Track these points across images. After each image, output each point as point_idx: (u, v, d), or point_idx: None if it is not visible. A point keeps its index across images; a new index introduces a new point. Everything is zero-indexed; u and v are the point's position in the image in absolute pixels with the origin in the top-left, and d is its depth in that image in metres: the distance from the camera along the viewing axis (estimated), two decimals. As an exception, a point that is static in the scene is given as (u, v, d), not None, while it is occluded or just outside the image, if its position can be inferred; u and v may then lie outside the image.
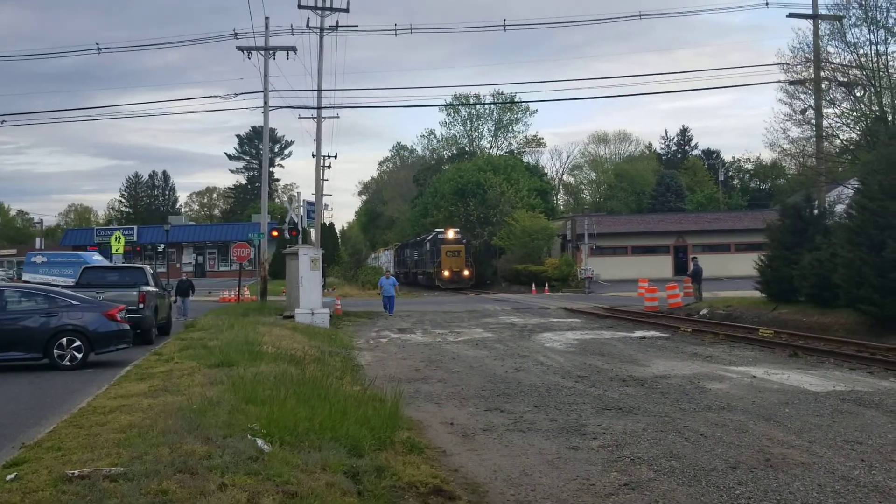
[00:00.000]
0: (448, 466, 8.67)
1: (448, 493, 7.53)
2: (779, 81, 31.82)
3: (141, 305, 19.26)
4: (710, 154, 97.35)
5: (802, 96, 30.57)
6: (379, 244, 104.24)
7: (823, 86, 29.71)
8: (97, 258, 45.67)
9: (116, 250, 45.38)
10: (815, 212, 28.55)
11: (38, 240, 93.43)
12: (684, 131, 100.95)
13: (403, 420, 10.15)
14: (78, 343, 15.43)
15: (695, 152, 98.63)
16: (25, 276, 44.41)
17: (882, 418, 10.67)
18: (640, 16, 48.37)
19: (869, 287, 20.93)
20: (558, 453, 9.17)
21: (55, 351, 15.28)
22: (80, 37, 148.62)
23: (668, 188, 79.73)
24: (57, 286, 26.37)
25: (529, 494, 7.66)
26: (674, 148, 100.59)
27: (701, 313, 29.29)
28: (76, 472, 6.36)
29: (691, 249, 56.06)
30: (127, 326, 16.41)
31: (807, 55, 30.07)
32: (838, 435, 9.68)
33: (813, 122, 29.75)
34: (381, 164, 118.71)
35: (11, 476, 6.54)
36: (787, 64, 30.67)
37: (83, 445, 7.52)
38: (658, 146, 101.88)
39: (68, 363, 15.28)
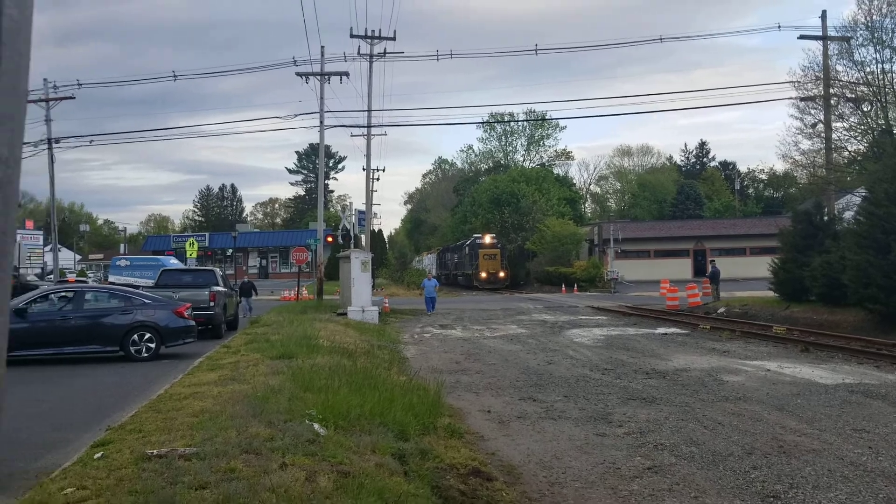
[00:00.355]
0: (485, 450, 8.66)
1: (486, 475, 7.51)
2: (790, 98, 31.19)
3: (211, 303, 19.55)
4: (726, 165, 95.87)
5: (813, 111, 29.95)
6: (422, 248, 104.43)
7: (832, 101, 29.13)
8: (173, 262, 46.43)
9: (190, 255, 46.07)
10: (825, 218, 27.99)
11: (122, 245, 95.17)
12: (702, 144, 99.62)
13: (445, 407, 10.15)
14: (150, 337, 15.72)
15: (712, 164, 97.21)
16: (111, 278, 45.31)
17: (889, 409, 10.41)
18: (661, 39, 47.84)
19: (875, 287, 20.44)
20: (587, 439, 9.10)
21: (131, 344, 15.56)
22: (159, 65, 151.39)
23: (688, 197, 78.64)
24: (138, 287, 26.88)
25: (560, 476, 7.61)
26: (692, 160, 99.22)
27: (718, 312, 28.83)
28: (155, 451, 6.47)
29: (709, 253, 55.20)
30: (193, 322, 16.66)
31: (817, 74, 29.50)
32: (847, 424, 9.46)
33: (823, 135, 29.17)
34: (424, 176, 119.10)
35: (99, 455, 6.68)
36: (799, 82, 30.11)
37: (161, 428, 7.64)
38: (678, 158, 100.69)
39: (142, 355, 15.56)
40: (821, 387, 12.29)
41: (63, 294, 16.56)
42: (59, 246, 42.72)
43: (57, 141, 36.27)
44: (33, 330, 15.11)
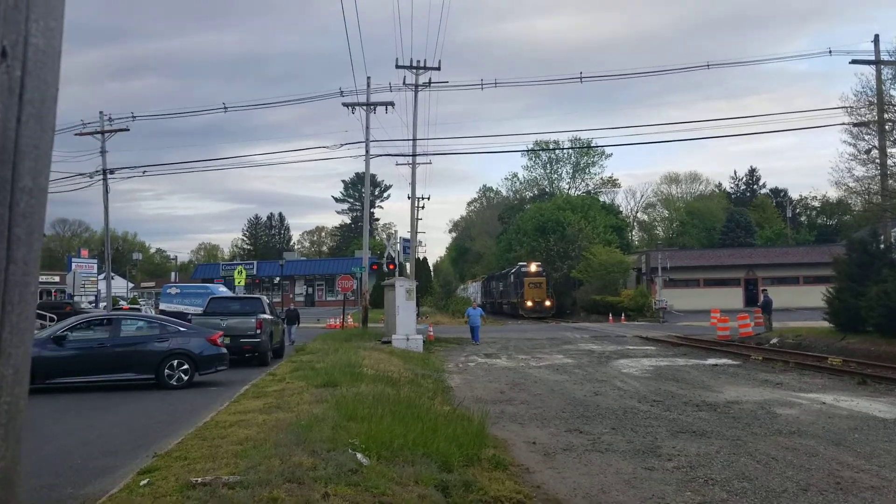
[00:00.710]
0: (531, 483, 8.51)
1: (531, 508, 7.39)
2: (843, 123, 30.46)
3: (258, 331, 19.76)
4: (777, 192, 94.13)
5: (867, 137, 29.24)
6: (467, 276, 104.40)
7: (887, 126, 28.42)
8: (222, 289, 47.18)
9: (238, 282, 46.84)
10: (882, 246, 27.19)
11: (172, 273, 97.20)
12: (752, 171, 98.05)
13: (489, 438, 10.04)
14: (186, 366, 15.78)
15: (763, 191, 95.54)
16: (161, 305, 46.21)
17: (954, 446, 9.97)
18: (707, 66, 47.32)
19: (938, 318, 19.72)
20: (635, 473, 8.90)
21: (165, 371, 15.65)
22: (212, 97, 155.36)
23: (738, 224, 77.28)
24: (187, 315, 27.32)
25: (607, 511, 7.44)
26: (742, 187, 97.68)
27: (771, 342, 28.13)
28: (199, 479, 6.51)
29: (761, 282, 54.05)
30: (225, 350, 16.68)
31: (870, 98, 28.84)
32: (909, 461, 9.09)
33: (877, 161, 28.43)
34: (469, 204, 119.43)
35: (145, 482, 6.75)
36: (851, 107, 29.44)
37: (206, 456, 7.70)
38: (727, 185, 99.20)
39: (175, 383, 15.62)
40: (879, 421, 11.85)
41: (100, 321, 16.79)
42: (112, 274, 43.80)
43: (112, 172, 37.35)
44: (71, 357, 15.24)
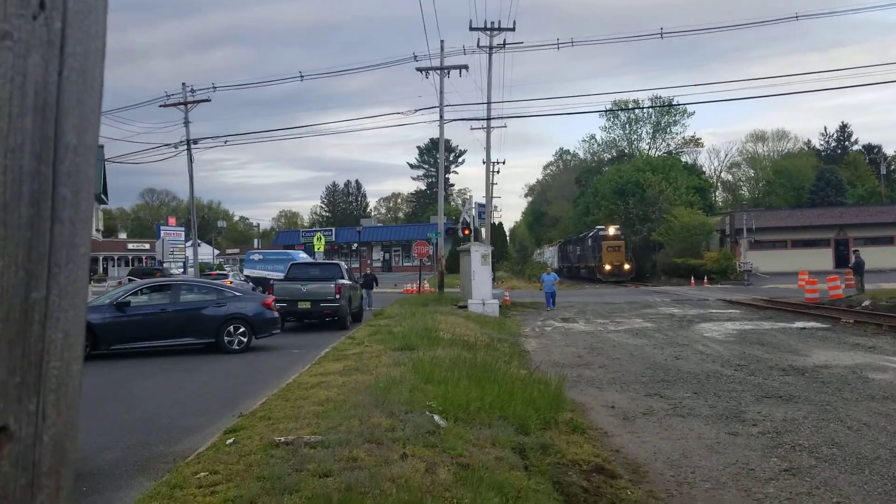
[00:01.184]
0: (609, 447, 8.44)
1: (609, 472, 7.32)
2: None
3: (337, 296, 20.13)
4: (870, 149, 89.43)
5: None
6: (543, 241, 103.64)
7: None
8: (302, 256, 48.27)
9: (318, 249, 47.78)
10: None
11: (255, 240, 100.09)
12: (844, 127, 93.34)
13: (566, 402, 9.98)
14: (243, 329, 15.99)
15: (854, 147, 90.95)
16: (245, 271, 47.64)
17: None
18: (797, 17, 45.09)
19: None
20: (717, 438, 8.70)
21: (225, 337, 15.88)
22: (289, 67, 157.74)
23: (828, 183, 73.92)
24: (270, 279, 28.06)
25: (689, 476, 7.31)
26: (833, 144, 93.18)
27: (863, 305, 26.95)
28: (282, 438, 6.70)
29: (852, 242, 51.79)
30: (278, 314, 16.81)
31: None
32: None
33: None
34: (545, 167, 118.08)
35: (230, 441, 6.99)
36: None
37: (289, 416, 7.90)
38: (817, 143, 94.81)
39: (237, 347, 15.85)
40: (984, 387, 11.23)
41: (159, 287, 16.98)
42: (198, 241, 45.31)
43: (195, 142, 38.43)
44: (133, 323, 15.41)
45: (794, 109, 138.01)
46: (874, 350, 15.77)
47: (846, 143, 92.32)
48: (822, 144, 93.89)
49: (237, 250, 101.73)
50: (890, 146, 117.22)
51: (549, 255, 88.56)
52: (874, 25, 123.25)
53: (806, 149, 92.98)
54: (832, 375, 12.64)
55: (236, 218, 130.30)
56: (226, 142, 42.77)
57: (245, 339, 16.01)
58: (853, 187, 76.42)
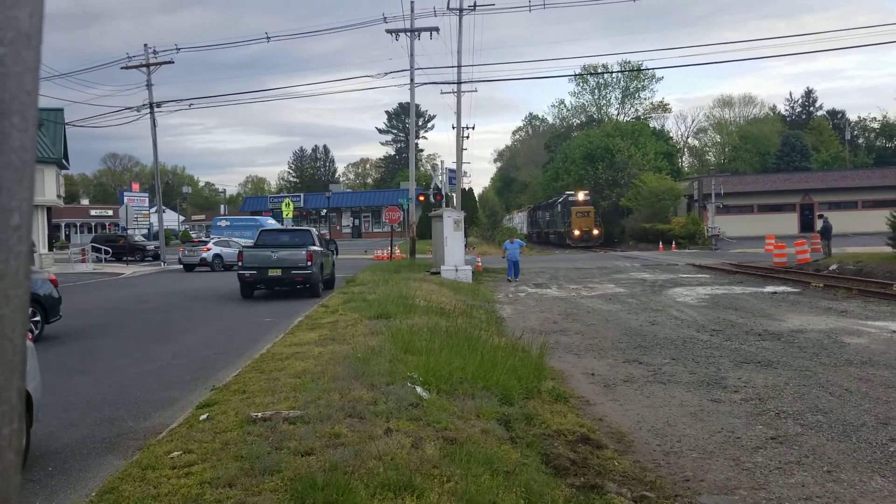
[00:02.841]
0: (592, 416, 8.29)
1: (595, 442, 7.16)
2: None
3: (308, 263, 19.73)
4: (834, 114, 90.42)
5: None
6: (513, 207, 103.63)
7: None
8: (271, 222, 47.61)
9: (286, 215, 47.09)
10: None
11: (222, 206, 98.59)
12: (809, 93, 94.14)
13: (547, 370, 9.81)
14: (36, 313, 12.82)
15: (819, 113, 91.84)
16: (212, 237, 46.86)
17: None
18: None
19: None
20: (700, 405, 8.59)
21: None
22: (256, 29, 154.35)
23: (793, 148, 74.57)
24: (240, 245, 27.52)
25: (675, 445, 7.18)
26: (798, 109, 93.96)
27: (830, 269, 27.24)
28: (259, 414, 6.40)
29: (817, 207, 52.40)
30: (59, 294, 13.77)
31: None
32: None
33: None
34: (514, 133, 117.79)
35: (204, 417, 6.67)
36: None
37: (264, 389, 7.61)
38: (782, 108, 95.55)
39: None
40: (958, 351, 11.29)
41: None
42: (163, 207, 44.35)
43: (158, 105, 37.39)
44: None
45: (761, 75, 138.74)
46: (846, 314, 15.86)
47: (811, 108, 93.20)
48: (787, 110, 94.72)
49: (203, 216, 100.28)
50: (854, 112, 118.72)
51: (519, 220, 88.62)
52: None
53: (772, 114, 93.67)
54: (808, 340, 12.65)
55: (202, 184, 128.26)
56: (190, 105, 41.82)
57: (37, 329, 12.67)
58: (818, 152, 77.29)
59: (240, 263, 20.29)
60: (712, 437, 7.36)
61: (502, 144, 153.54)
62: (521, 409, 7.72)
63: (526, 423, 7.32)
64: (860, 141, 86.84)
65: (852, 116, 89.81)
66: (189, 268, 34.18)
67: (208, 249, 34.58)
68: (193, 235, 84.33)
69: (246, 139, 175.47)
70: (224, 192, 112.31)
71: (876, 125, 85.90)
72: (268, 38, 34.17)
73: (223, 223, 49.92)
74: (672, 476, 6.33)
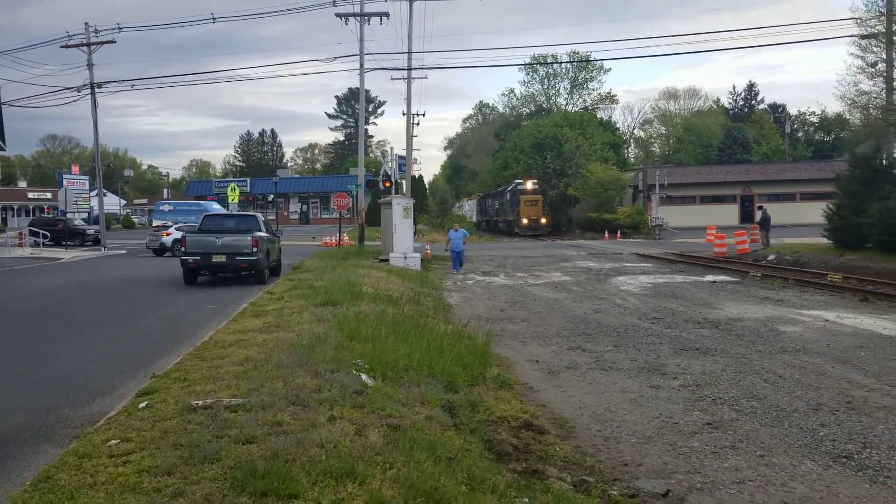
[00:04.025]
0: (536, 402, 8.40)
1: (538, 428, 7.26)
2: (851, 35, 29.61)
3: (254, 249, 19.46)
4: (776, 108, 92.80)
5: (875, 49, 28.44)
6: (463, 194, 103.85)
7: (895, 38, 27.59)
8: (216, 207, 46.77)
9: (232, 200, 46.32)
10: (885, 162, 26.82)
11: (165, 190, 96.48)
12: (751, 86, 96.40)
13: (493, 357, 9.91)
14: None
15: (761, 107, 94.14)
16: (155, 222, 45.87)
17: (962, 364, 9.86)
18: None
19: (940, 235, 19.52)
20: (640, 392, 8.78)
21: None
22: (202, 11, 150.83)
23: (735, 141, 76.30)
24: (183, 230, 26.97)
25: (615, 431, 7.33)
26: (741, 103, 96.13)
27: (769, 259, 28.03)
28: (200, 402, 6.31)
29: (757, 198, 53.76)
30: None
31: (880, 9, 27.93)
32: (919, 379, 8.97)
33: (884, 74, 27.75)
34: (464, 121, 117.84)
35: (143, 405, 6.56)
36: (861, 18, 28.55)
37: (206, 377, 7.50)
38: (726, 101, 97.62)
39: None
40: (885, 339, 11.75)
41: None
42: (104, 191, 43.18)
43: (99, 86, 36.34)
44: None
45: (706, 68, 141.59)
46: (782, 303, 16.35)
47: (753, 102, 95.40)
48: (730, 103, 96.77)
49: (145, 200, 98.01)
50: (794, 106, 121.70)
51: (469, 208, 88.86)
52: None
53: (716, 107, 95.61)
54: (745, 328, 13.01)
55: (144, 167, 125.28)
56: (133, 86, 40.77)
57: None
58: (759, 145, 79.21)
59: (183, 249, 19.90)
60: (651, 423, 7.53)
61: (453, 132, 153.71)
62: (465, 395, 7.78)
63: (470, 410, 7.38)
64: (800, 135, 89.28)
65: (793, 111, 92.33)
66: (159, 252, 33.55)
67: (168, 234, 33.89)
68: (135, 220, 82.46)
69: (191, 122, 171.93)
70: (167, 175, 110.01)
71: (815, 119, 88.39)
72: (213, 19, 33.52)
73: (166, 207, 48.86)
74: (611, 461, 6.47)
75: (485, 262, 29.91)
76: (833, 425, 7.21)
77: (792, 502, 5.49)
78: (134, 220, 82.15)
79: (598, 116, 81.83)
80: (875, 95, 29.17)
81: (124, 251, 37.17)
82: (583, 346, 11.75)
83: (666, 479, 5.96)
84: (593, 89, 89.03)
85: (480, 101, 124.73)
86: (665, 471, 6.17)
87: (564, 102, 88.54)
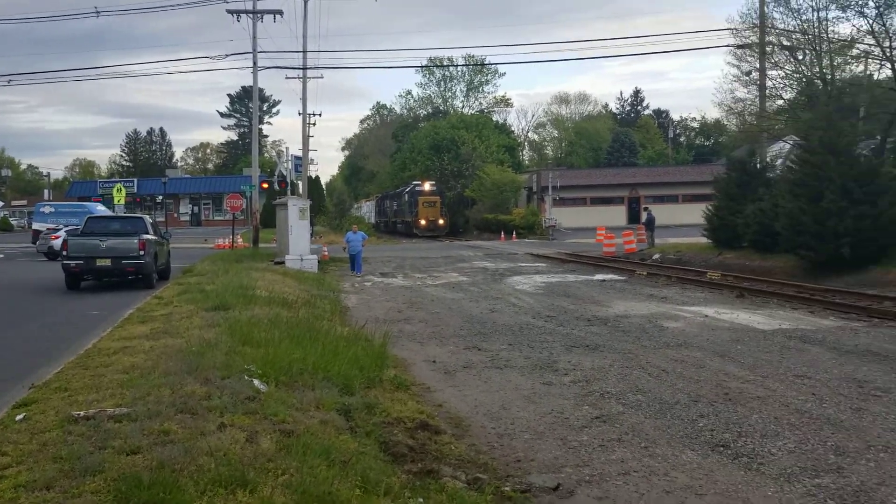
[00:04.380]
0: (432, 402, 8.45)
1: (434, 428, 7.31)
2: (728, 45, 31.40)
3: (141, 252, 18.72)
4: (660, 114, 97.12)
5: (749, 59, 30.19)
6: (361, 195, 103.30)
7: (768, 49, 29.36)
8: (100, 208, 44.64)
9: (118, 201, 44.42)
10: (759, 165, 28.48)
11: (46, 191, 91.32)
12: (637, 93, 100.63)
13: (390, 359, 9.89)
14: None
15: (646, 112, 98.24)
16: (35, 225, 43.40)
17: (826, 354, 10.58)
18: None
19: (807, 234, 20.91)
20: (533, 389, 8.97)
21: None
22: (86, 3, 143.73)
23: (623, 145, 79.36)
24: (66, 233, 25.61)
25: (509, 427, 7.46)
26: (627, 108, 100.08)
27: (654, 258, 29.25)
28: (82, 412, 6.02)
29: (643, 200, 55.99)
30: None
31: (754, 21, 29.65)
32: (788, 370, 9.56)
33: (758, 83, 29.48)
34: (362, 121, 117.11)
35: (20, 417, 6.20)
36: (736, 29, 30.27)
37: (89, 386, 7.17)
38: (614, 106, 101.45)
39: None
40: (759, 332, 12.46)
41: None
42: (-24, 192, 40.47)
43: (-30, 80, 34.05)
44: None
45: (597, 74, 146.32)
46: (666, 300, 17.08)
47: (639, 107, 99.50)
48: (618, 108, 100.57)
49: (24, 202, 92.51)
50: (677, 112, 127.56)
51: (367, 209, 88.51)
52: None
53: (604, 112, 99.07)
54: (631, 325, 13.51)
55: (24, 166, 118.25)
56: (10, 81, 38.53)
57: None
58: (644, 149, 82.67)
59: (65, 252, 18.91)
60: (543, 419, 7.71)
61: (350, 132, 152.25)
62: (362, 398, 7.73)
63: (366, 413, 7.35)
64: (682, 139, 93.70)
65: (676, 116, 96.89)
66: (52, 257, 31.59)
67: (57, 237, 32.08)
68: (14, 222, 77.70)
69: (74, 119, 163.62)
70: (48, 176, 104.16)
71: (696, 125, 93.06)
72: (97, 13, 32.00)
73: (47, 209, 46.14)
74: (505, 457, 6.58)
75: (383, 264, 29.86)
76: (711, 416, 7.58)
77: (673, 491, 5.74)
78: (12, 222, 77.38)
79: (494, 119, 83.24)
80: (750, 102, 30.97)
81: (1, 255, 34.99)
82: (479, 345, 11.90)
83: (556, 474, 6.12)
84: (489, 92, 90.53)
85: (378, 102, 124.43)
86: (556, 465, 6.34)
87: (461, 105, 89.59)
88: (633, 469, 6.19)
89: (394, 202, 71.25)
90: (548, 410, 8.01)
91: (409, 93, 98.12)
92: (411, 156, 74.01)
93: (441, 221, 59.63)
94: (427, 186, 60.84)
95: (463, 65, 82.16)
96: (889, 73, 26.40)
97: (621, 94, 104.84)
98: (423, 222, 59.07)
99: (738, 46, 30.39)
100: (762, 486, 5.79)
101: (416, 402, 8.23)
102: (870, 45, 26.60)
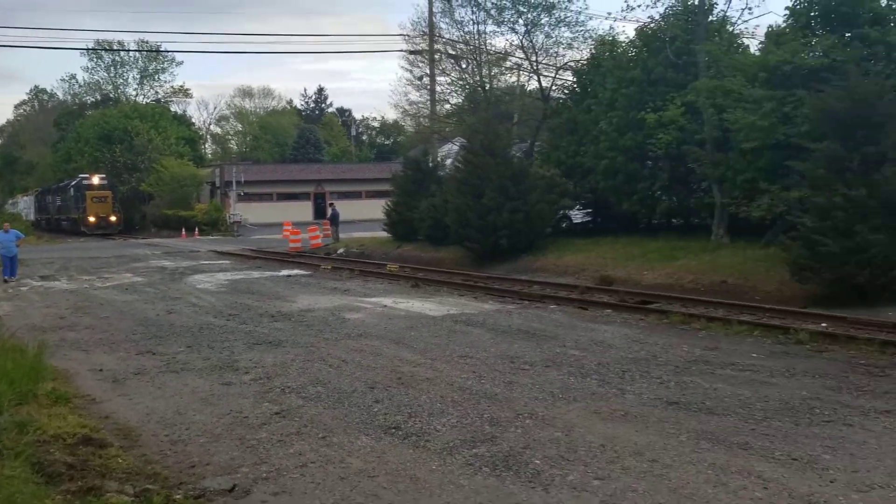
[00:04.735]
0: (98, 414, 7.79)
1: (98, 441, 6.74)
2: (401, 51, 33.21)
3: None
4: (343, 112, 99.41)
5: (421, 64, 32.22)
6: (18, 189, 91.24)
7: (437, 57, 31.62)
8: None
9: None
10: (431, 164, 30.54)
11: None
12: (321, 90, 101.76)
13: (48, 370, 8.91)
14: None
15: (330, 110, 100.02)
16: None
17: (486, 335, 11.70)
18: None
19: (472, 228, 22.94)
20: (212, 390, 8.70)
21: None
22: None
23: (308, 141, 79.84)
24: None
25: (184, 433, 7.15)
26: (312, 105, 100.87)
27: (339, 252, 29.93)
28: None
29: (328, 196, 56.90)
30: None
31: (423, 29, 31.69)
32: (454, 352, 10.40)
33: (429, 87, 31.59)
34: (17, 107, 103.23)
35: None
36: (409, 35, 32.15)
37: None
38: (298, 103, 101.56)
39: None
40: (431, 318, 13.37)
41: None
42: None
43: None
44: None
45: (280, 69, 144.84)
46: (348, 292, 17.58)
47: (323, 105, 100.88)
48: (303, 105, 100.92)
49: None
50: (359, 111, 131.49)
51: (25, 205, 78.64)
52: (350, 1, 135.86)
53: (289, 107, 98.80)
54: (315, 318, 13.70)
55: None
56: None
57: None
58: (329, 146, 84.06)
59: None
60: (221, 420, 7.51)
61: (3, 119, 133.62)
62: (12, 417, 6.88)
63: (18, 432, 6.55)
64: (364, 138, 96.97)
65: (358, 115, 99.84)
66: None
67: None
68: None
69: None
70: None
71: (376, 124, 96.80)
72: None
73: None
74: (178, 464, 6.30)
75: (44, 266, 26.71)
76: (385, 401, 7.98)
77: (348, 477, 5.94)
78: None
79: (173, 110, 78.62)
80: (422, 105, 33.13)
81: None
82: (154, 349, 11.21)
83: (232, 475, 5.99)
84: (165, 81, 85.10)
85: (36, 86, 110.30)
86: (232, 466, 6.21)
87: (134, 93, 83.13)
88: (311, 460, 6.29)
89: (57, 197, 64.14)
90: (226, 411, 7.82)
91: (73, 77, 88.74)
92: (77, 146, 67.06)
93: (113, 218, 55.04)
94: (96, 180, 55.79)
95: (136, 50, 76.42)
96: (536, 84, 29.92)
97: (305, 90, 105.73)
98: (92, 219, 54.00)
99: (411, 52, 32.36)
100: (427, 461, 6.23)
101: (79, 415, 7.53)
102: (521, 58, 29.92)
